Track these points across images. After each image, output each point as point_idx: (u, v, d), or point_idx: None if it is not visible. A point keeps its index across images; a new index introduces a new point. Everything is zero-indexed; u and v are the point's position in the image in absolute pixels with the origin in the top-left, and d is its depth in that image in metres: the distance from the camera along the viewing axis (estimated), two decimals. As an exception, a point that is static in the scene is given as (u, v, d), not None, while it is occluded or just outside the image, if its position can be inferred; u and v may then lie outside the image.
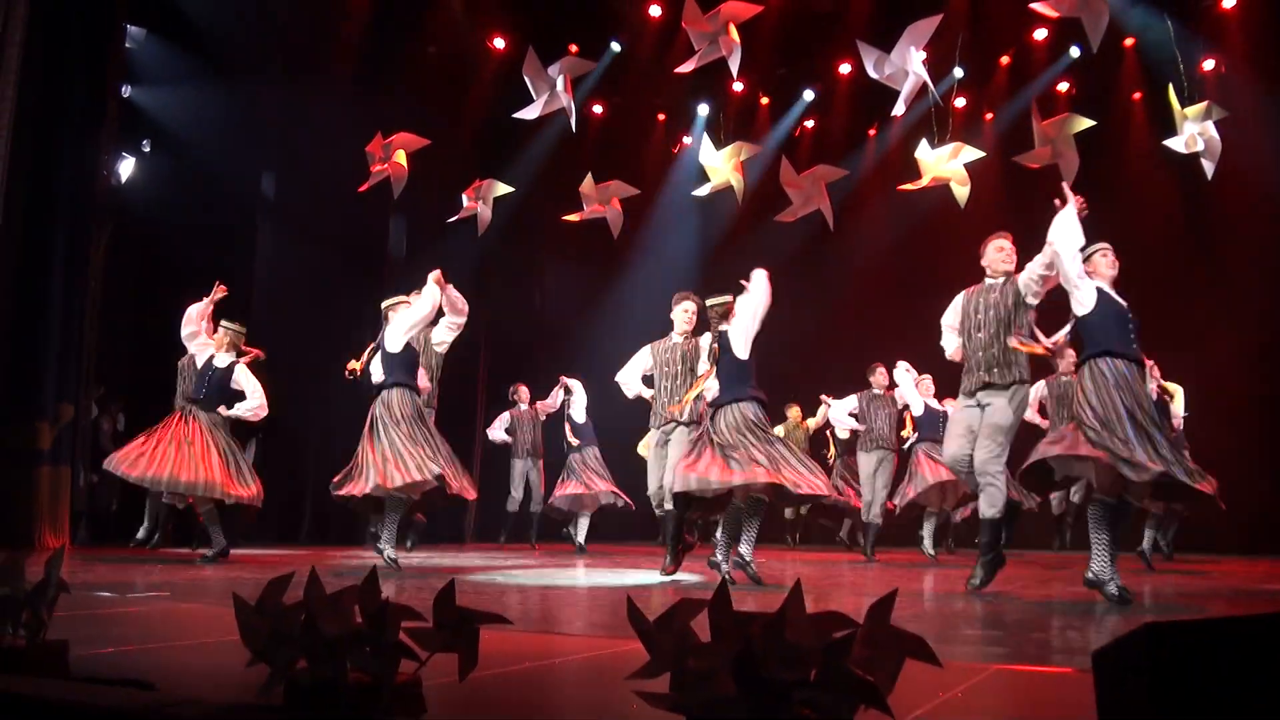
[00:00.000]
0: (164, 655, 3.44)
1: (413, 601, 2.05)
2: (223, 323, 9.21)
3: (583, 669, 3.37)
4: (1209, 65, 12.88)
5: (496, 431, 12.67)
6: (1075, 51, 13.25)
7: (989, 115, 14.75)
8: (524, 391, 12.88)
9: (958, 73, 13.14)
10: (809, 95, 15.45)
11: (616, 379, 8.48)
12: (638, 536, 14.52)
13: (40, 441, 9.40)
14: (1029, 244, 6.73)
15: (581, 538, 12.44)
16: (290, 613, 2.05)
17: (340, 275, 12.55)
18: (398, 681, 2.02)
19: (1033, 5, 8.82)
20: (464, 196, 12.01)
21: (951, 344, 7.08)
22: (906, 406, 11.17)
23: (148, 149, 12.21)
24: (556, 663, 3.45)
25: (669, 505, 7.57)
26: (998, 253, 6.95)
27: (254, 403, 9.05)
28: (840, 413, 11.53)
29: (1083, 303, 6.19)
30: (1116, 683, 1.58)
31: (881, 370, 11.35)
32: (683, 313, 8.25)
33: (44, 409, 9.49)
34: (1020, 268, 6.82)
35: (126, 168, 11.90)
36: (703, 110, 15.49)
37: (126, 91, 11.49)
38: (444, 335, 8.58)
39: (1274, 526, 12.25)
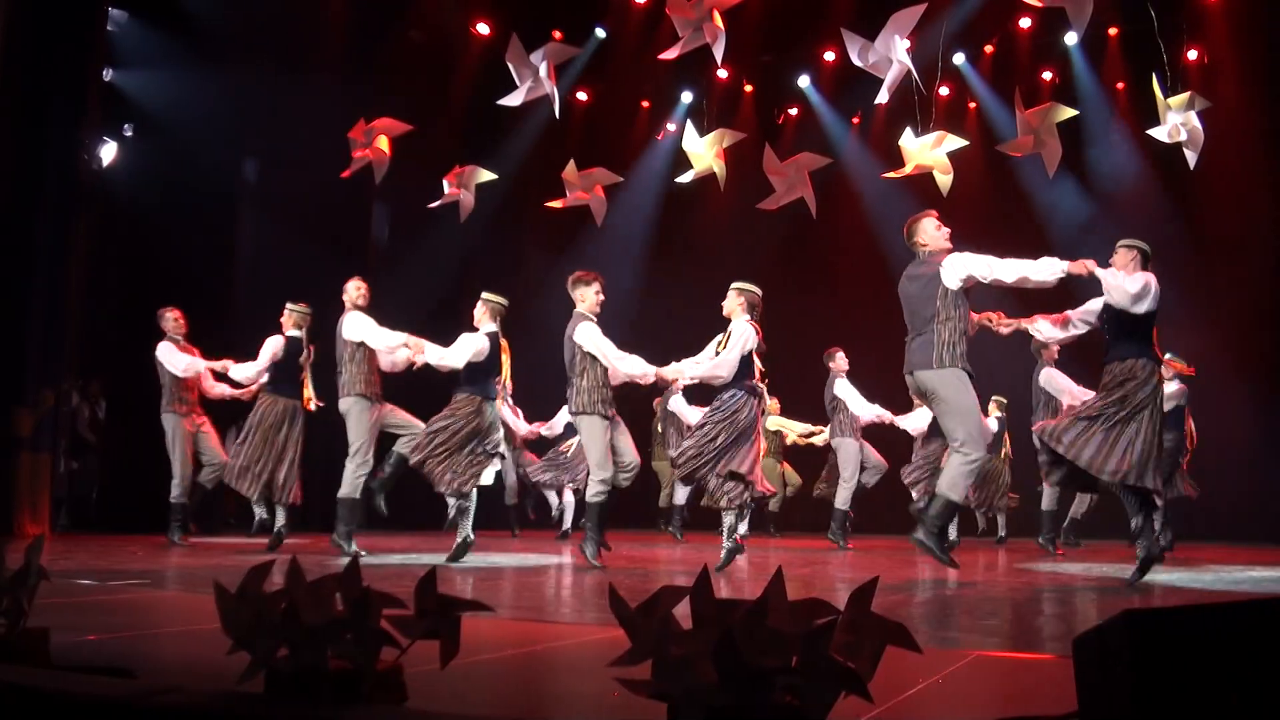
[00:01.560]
0: (145, 643, 3.44)
1: (394, 589, 2.05)
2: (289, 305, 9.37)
3: (565, 656, 3.37)
4: (1193, 56, 12.92)
5: None
6: (1072, 38, 13.19)
7: (973, 104, 14.77)
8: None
9: (958, 59, 13.16)
10: (805, 81, 15.43)
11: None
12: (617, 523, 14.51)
13: (21, 428, 9.34)
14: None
15: (568, 523, 12.43)
16: (271, 600, 2.04)
17: (322, 261, 12.47)
18: (379, 669, 2.02)
19: (1017, -6, 8.83)
20: (446, 183, 11.97)
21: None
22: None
23: (129, 133, 12.13)
24: (538, 650, 3.46)
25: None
26: (939, 230, 6.79)
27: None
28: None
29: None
30: (1097, 668, 1.60)
31: (841, 355, 11.17)
32: (594, 294, 7.99)
33: (25, 395, 9.44)
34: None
35: (108, 152, 11.82)
36: (686, 97, 15.48)
37: (108, 75, 11.41)
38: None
39: (1255, 513, 12.34)
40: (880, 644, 1.70)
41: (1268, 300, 12.24)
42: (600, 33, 13.85)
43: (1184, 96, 9.86)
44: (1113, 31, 13.41)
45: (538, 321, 14.87)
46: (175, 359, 9.47)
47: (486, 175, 11.99)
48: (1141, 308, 6.50)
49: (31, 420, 9.43)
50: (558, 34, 11.58)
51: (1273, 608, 1.51)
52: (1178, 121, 9.78)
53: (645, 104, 16.24)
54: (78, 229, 10.10)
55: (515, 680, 2.96)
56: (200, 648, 3.18)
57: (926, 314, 6.52)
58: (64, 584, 5.02)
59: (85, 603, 4.46)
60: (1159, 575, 7.30)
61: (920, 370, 6.50)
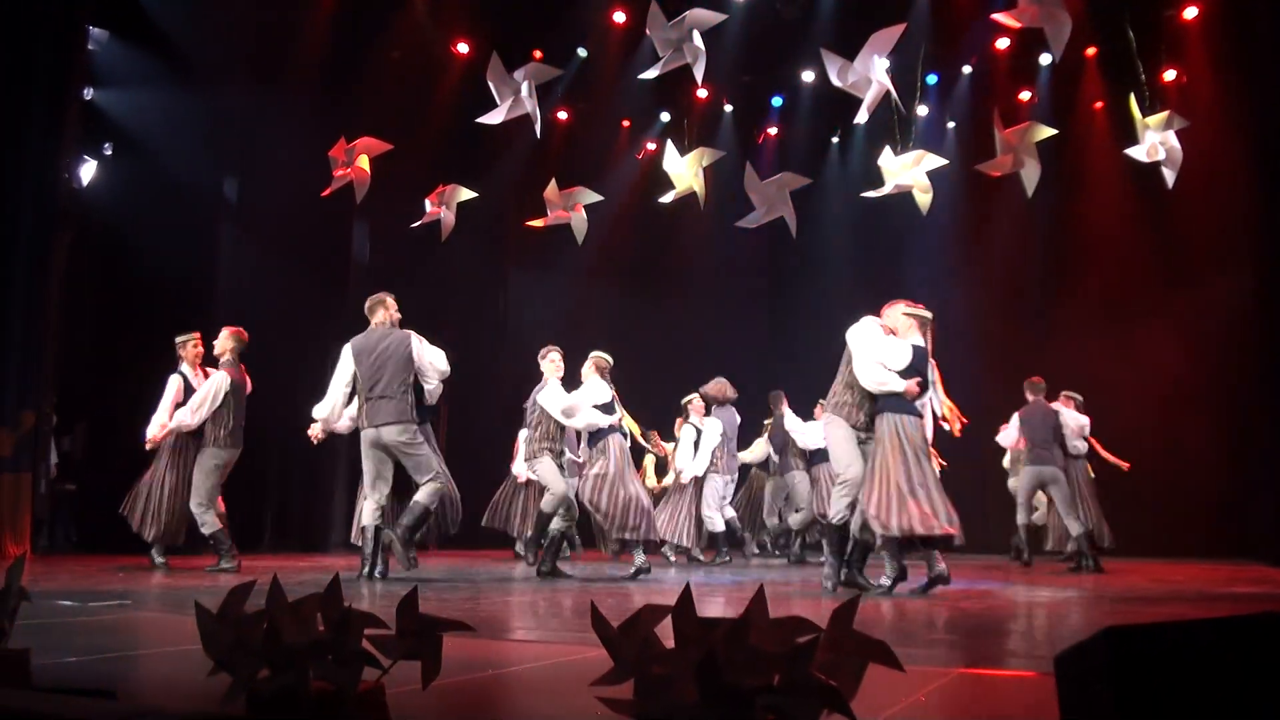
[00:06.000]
0: (126, 664, 3.42)
1: (376, 609, 2.05)
2: None
3: (547, 676, 3.36)
4: (1170, 75, 13.00)
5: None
6: (1046, 59, 13.32)
7: (951, 123, 14.84)
8: None
9: (930, 80, 13.25)
10: (777, 101, 15.53)
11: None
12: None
13: (1, 449, 9.30)
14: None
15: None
16: (252, 621, 2.04)
17: (303, 280, 12.47)
18: (360, 690, 2.01)
19: (994, 17, 8.87)
20: (427, 202, 11.97)
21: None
22: None
23: (109, 152, 12.10)
24: (520, 670, 3.45)
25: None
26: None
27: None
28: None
29: None
30: (1078, 685, 1.60)
31: None
32: (551, 364, 8.93)
33: (4, 416, 9.39)
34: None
35: (88, 171, 11.78)
36: (664, 117, 15.57)
37: (89, 94, 11.39)
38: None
39: (1234, 530, 12.37)
40: (862, 662, 1.70)
41: (1245, 318, 12.28)
42: (582, 52, 13.91)
43: (1162, 116, 9.92)
44: (1090, 51, 13.49)
45: (519, 341, 14.89)
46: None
47: (467, 194, 11.98)
48: None
49: (11, 440, 9.38)
50: (538, 54, 11.62)
51: (1252, 624, 1.52)
52: (1156, 141, 9.83)
53: (626, 123, 16.27)
54: (56, 248, 10.06)
55: (497, 701, 2.95)
56: (182, 669, 3.16)
57: None
58: (45, 605, 4.99)
59: (66, 624, 4.43)
60: (1138, 592, 7.32)
61: None
